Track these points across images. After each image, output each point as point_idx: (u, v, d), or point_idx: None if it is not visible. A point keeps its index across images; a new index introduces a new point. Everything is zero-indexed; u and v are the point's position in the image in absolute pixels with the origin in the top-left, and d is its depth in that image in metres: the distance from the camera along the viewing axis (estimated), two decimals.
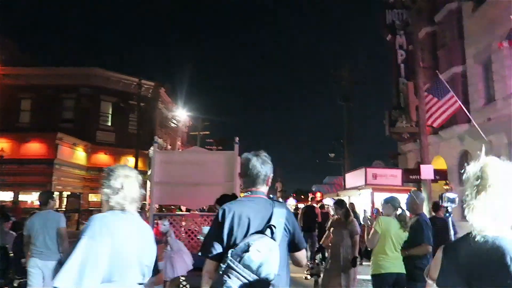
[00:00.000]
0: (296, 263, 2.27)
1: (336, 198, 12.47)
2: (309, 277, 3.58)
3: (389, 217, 4.28)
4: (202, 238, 3.55)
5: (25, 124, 26.86)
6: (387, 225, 4.19)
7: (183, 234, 9.39)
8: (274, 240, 1.93)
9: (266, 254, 1.82)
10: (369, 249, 4.55)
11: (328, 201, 23.53)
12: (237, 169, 9.34)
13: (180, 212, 10.31)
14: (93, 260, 1.84)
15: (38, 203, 5.86)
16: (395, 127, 19.43)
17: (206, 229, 3.60)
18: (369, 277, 7.99)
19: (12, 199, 22.40)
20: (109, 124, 29.44)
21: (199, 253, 2.26)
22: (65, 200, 23.46)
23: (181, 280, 5.78)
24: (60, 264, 3.31)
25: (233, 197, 3.76)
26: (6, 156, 20.51)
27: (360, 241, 5.65)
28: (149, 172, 10.57)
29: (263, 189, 2.24)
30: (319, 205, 14.04)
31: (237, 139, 9.51)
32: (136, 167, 22.98)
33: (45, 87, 27.05)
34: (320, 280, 5.18)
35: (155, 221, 7.69)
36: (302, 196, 41.82)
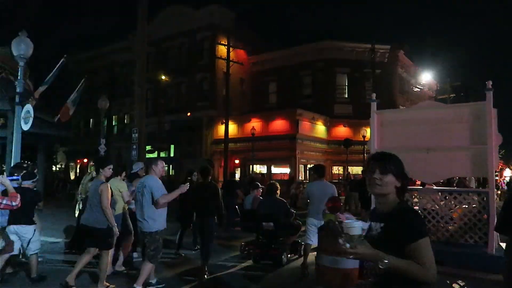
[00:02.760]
0: None
1: None
2: None
3: None
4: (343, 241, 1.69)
5: (272, 105, 29.77)
6: None
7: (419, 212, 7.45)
8: None
9: None
10: None
11: None
12: (492, 126, 6.57)
13: (412, 187, 8.30)
14: None
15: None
16: None
17: (356, 228, 1.72)
18: None
19: (265, 171, 25.21)
20: (346, 96, 29.08)
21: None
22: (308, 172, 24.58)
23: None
24: None
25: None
26: (256, 134, 23.08)
27: None
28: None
29: None
30: None
31: (489, 83, 6.67)
32: None
33: (285, 67, 29.23)
34: None
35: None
36: None
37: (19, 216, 5.06)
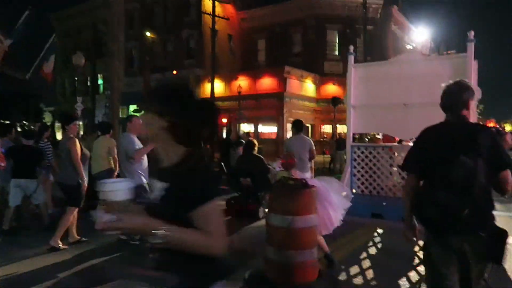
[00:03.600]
0: (498, 186, 2.13)
1: None
2: None
3: None
4: None
5: (262, 63, 29.04)
6: None
7: (394, 168, 7.40)
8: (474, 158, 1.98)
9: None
10: None
11: None
12: (472, 80, 6.29)
13: (388, 144, 8.17)
14: None
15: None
16: None
17: (119, 192, 1.29)
18: None
19: (253, 130, 24.97)
20: (336, 53, 28.35)
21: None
22: None
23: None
24: None
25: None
26: (243, 92, 22.62)
27: None
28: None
29: (464, 113, 2.25)
30: None
31: (471, 34, 6.34)
32: None
33: (274, 24, 28.23)
34: None
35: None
36: None
37: (21, 171, 5.65)
